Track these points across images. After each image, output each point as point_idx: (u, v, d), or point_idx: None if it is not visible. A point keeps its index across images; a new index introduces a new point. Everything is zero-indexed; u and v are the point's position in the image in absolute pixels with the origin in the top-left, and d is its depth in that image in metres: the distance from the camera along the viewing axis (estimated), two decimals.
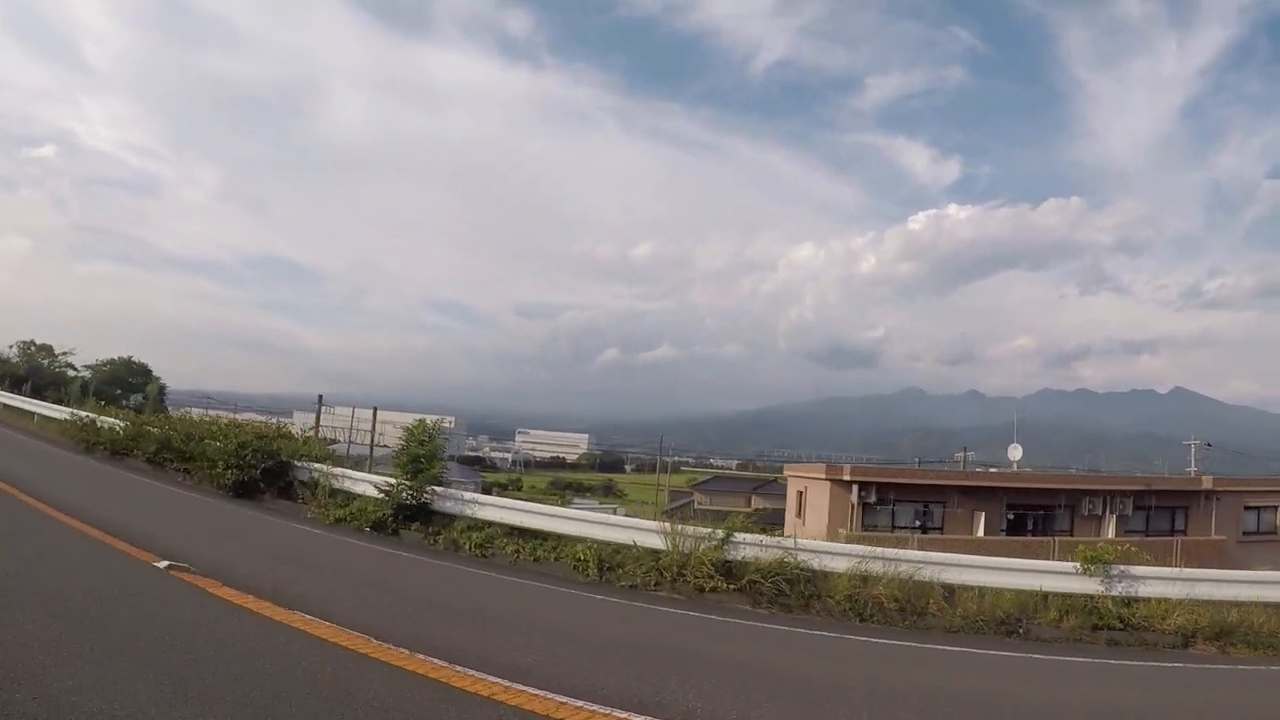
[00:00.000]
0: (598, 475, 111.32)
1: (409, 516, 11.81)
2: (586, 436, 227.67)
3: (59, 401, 22.79)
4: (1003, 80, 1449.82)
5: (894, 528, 27.11)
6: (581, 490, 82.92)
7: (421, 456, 12.14)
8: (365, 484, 12.81)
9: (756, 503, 61.75)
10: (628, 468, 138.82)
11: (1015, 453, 38.00)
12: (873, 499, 27.22)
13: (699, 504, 57.91)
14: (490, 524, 11.62)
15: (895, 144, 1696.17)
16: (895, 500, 27.99)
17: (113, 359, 37.06)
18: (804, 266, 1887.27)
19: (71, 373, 33.07)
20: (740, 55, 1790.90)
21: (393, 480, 12.09)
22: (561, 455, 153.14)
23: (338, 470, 13.51)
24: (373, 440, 18.71)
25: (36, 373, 30.12)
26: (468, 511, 11.97)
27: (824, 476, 27.20)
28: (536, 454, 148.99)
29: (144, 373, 37.26)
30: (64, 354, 33.88)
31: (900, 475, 30.04)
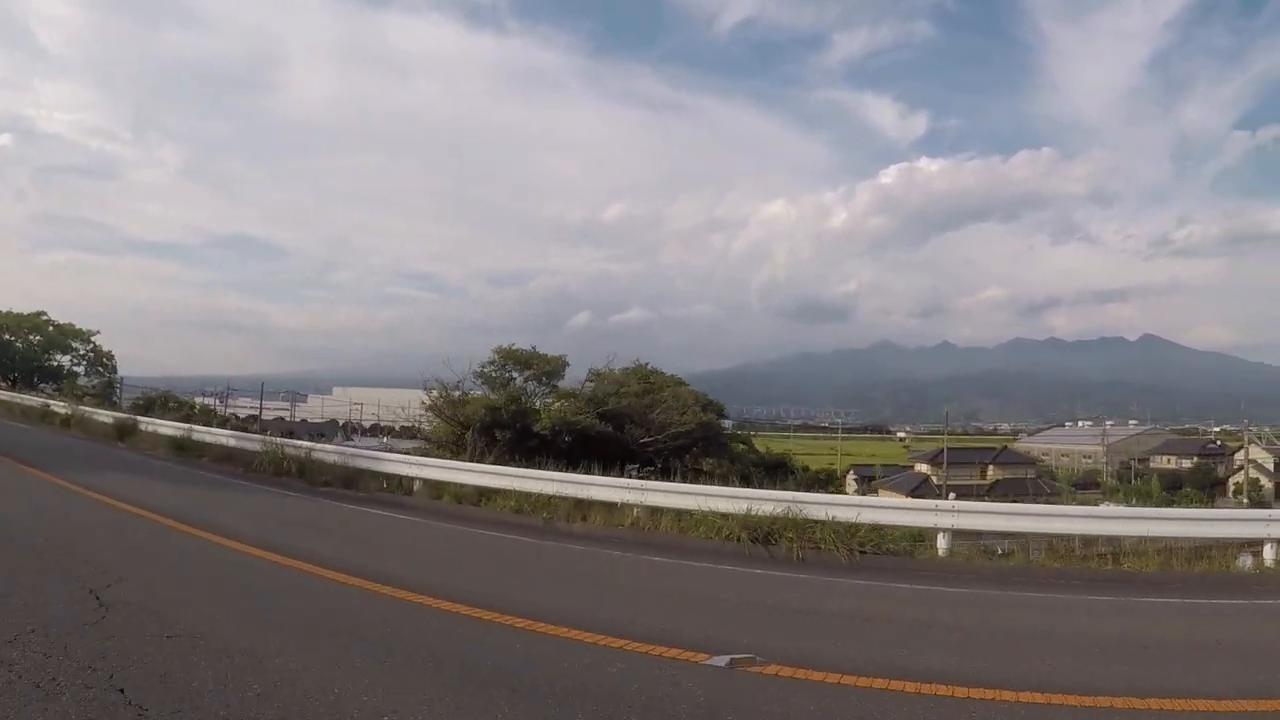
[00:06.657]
0: None
1: None
2: None
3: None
4: (969, 34, 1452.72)
5: None
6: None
7: None
8: None
9: (993, 474, 56.77)
10: None
11: None
12: None
13: (936, 480, 49.24)
14: None
15: (864, 100, 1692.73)
16: None
17: None
18: (775, 223, 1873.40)
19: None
20: (706, 13, 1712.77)
21: None
22: None
23: None
24: None
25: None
26: None
27: None
28: None
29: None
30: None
31: None
